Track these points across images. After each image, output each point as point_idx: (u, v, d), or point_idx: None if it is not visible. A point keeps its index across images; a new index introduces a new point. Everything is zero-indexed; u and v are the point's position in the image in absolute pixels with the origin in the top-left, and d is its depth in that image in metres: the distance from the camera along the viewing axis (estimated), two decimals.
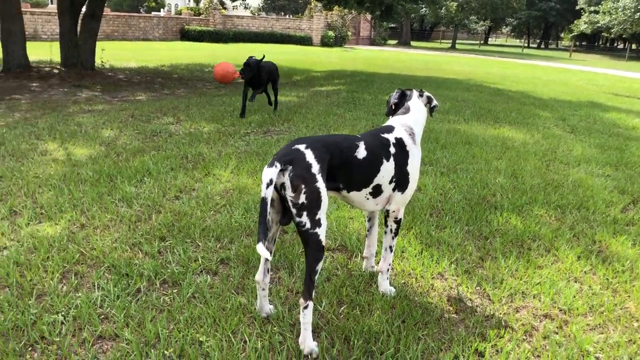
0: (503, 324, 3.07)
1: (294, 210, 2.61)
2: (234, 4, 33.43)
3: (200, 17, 38.34)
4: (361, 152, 2.91)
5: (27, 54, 14.47)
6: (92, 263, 3.50)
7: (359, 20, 43.69)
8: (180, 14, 42.46)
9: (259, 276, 2.86)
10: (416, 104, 3.27)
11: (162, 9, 51.60)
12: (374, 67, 21.53)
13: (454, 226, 4.40)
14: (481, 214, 4.67)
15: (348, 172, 2.88)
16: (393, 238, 3.22)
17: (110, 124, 8.00)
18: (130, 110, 9.40)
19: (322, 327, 2.91)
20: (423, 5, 15.89)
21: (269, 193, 2.53)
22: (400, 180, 3.07)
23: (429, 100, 3.34)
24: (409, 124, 3.18)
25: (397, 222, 3.18)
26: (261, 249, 2.47)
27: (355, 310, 3.08)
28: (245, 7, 43.53)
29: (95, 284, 3.21)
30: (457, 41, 59.29)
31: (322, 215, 2.64)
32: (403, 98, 3.31)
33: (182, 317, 2.90)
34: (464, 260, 3.83)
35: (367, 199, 3.04)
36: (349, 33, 42.25)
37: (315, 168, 2.64)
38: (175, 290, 3.20)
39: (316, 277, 2.67)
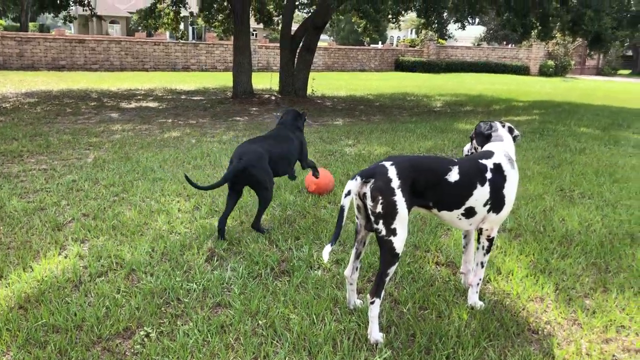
0: (582, 349, 3.08)
1: (372, 218, 3.04)
2: (453, 34, 33.76)
3: (415, 48, 39.53)
4: (453, 176, 3.20)
5: (252, 83, 16.77)
6: (237, 250, 4.31)
7: (584, 48, 40.69)
8: (397, 45, 44.33)
9: (347, 272, 3.34)
10: (505, 133, 3.47)
11: (379, 42, 54.18)
12: (588, 98, 20.14)
13: (579, 257, 4.33)
14: (619, 250, 4.48)
15: (438, 192, 3.19)
16: (485, 254, 3.43)
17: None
18: (321, 133, 10.50)
19: (397, 323, 3.27)
20: None
21: (346, 202, 2.99)
22: (496, 203, 3.28)
23: (511, 130, 3.56)
24: (507, 149, 3.39)
25: (490, 240, 3.39)
26: (326, 251, 2.95)
27: (434, 315, 3.37)
28: (451, 37, 43.49)
29: (230, 267, 4.00)
30: None
31: (398, 225, 3.00)
32: (490, 129, 3.52)
33: (284, 298, 3.50)
34: (573, 289, 3.81)
35: (460, 219, 3.32)
36: (572, 62, 39.65)
37: (395, 183, 3.02)
38: (288, 279, 3.83)
39: (387, 279, 3.06)
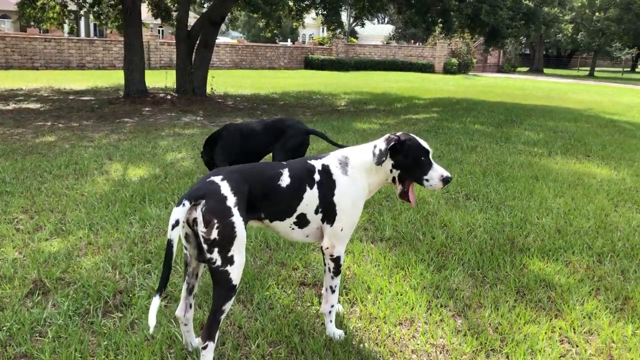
0: None
1: (205, 246, 2.51)
2: (358, 34, 33.90)
3: (324, 46, 39.47)
4: (285, 180, 2.78)
5: (145, 81, 15.79)
6: (70, 279, 3.66)
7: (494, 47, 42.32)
8: (306, 43, 44.12)
9: (179, 311, 2.79)
10: (372, 144, 3.00)
11: (289, 40, 53.91)
12: (486, 95, 20.67)
13: (457, 268, 4.03)
14: (498, 258, 4.23)
15: (272, 201, 2.75)
16: (332, 278, 3.00)
17: (182, 148, 8.43)
18: (206, 135, 9.85)
19: None
20: (533, 29, 14.59)
21: (174, 235, 2.43)
22: (327, 211, 2.87)
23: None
24: (347, 154, 2.98)
25: (335, 260, 2.96)
26: (152, 311, 2.36)
27: (285, 352, 2.91)
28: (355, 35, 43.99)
29: (52, 302, 3.35)
30: (598, 69, 55.11)
31: (236, 251, 2.52)
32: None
33: (107, 342, 2.92)
34: (446, 307, 3.48)
35: (293, 229, 2.88)
36: (474, 60, 41.07)
37: (231, 201, 2.54)
38: (121, 315, 3.24)
39: (222, 317, 2.55)
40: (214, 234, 2.48)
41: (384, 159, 2.83)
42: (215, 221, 2.48)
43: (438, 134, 10.23)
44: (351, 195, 2.87)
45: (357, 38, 56.41)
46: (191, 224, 2.54)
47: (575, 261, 4.27)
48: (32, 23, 19.09)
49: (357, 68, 37.07)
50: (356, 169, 2.91)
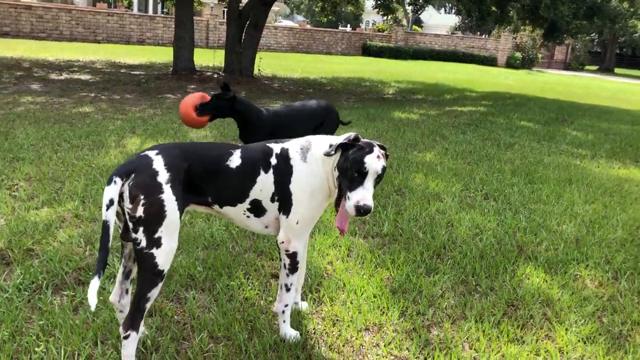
0: None
1: (130, 224, 2.32)
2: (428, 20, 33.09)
3: (383, 33, 38.73)
4: (234, 161, 2.54)
5: (193, 59, 15.86)
6: (41, 250, 3.56)
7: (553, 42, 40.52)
8: (366, 30, 43.47)
9: (113, 297, 2.60)
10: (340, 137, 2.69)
11: (348, 25, 53.27)
12: (544, 92, 19.67)
13: (449, 273, 3.69)
14: (498, 265, 3.86)
15: (219, 183, 2.52)
16: (288, 275, 2.74)
17: (209, 126, 8.33)
18: None
19: None
20: (598, 25, 13.70)
21: (109, 215, 2.25)
22: (283, 200, 2.61)
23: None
24: (311, 140, 2.70)
25: (290, 256, 2.70)
26: (92, 291, 2.18)
27: (230, 349, 2.69)
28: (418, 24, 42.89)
29: (11, 275, 3.25)
30: None
31: (164, 233, 2.32)
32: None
33: (43, 322, 2.79)
34: (423, 315, 3.17)
35: (248, 217, 2.64)
36: (539, 55, 39.35)
37: (163, 177, 2.33)
38: (73, 294, 3.10)
39: (147, 305, 2.35)
40: (140, 212, 2.28)
41: (332, 152, 2.53)
42: (142, 197, 2.29)
43: (478, 128, 9.71)
44: (309, 185, 2.60)
45: (422, 27, 55.16)
46: (120, 199, 2.33)
47: (586, 276, 3.84)
48: None
49: (415, 57, 36.19)
50: (316, 158, 2.63)
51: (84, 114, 9.07)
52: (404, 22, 37.26)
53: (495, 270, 3.78)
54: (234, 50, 15.90)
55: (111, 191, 2.27)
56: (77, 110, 9.39)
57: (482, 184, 5.89)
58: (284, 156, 2.62)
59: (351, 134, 2.56)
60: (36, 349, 2.54)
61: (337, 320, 3.03)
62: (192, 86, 14.16)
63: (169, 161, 2.37)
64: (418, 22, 57.27)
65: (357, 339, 2.87)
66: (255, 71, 16.62)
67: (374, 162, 2.45)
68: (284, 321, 2.81)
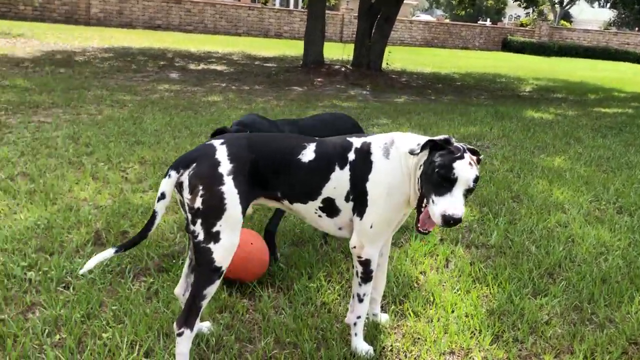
0: None
1: (188, 216, 2.22)
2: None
3: (526, 28, 36.48)
4: (307, 154, 2.34)
5: (323, 52, 15.95)
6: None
7: None
8: (507, 24, 41.22)
9: (178, 290, 2.53)
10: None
11: (488, 20, 50.95)
12: None
13: (561, 296, 3.20)
14: (623, 292, 3.28)
15: (288, 177, 2.34)
16: (360, 284, 2.48)
17: None
18: (360, 109, 9.57)
19: None
20: None
21: (159, 207, 2.22)
22: (358, 200, 2.35)
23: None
24: (397, 136, 2.40)
25: (363, 263, 2.44)
26: (101, 255, 2.21)
27: (293, 358, 2.50)
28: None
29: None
30: None
31: (223, 228, 2.18)
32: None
33: (115, 307, 2.78)
34: (521, 343, 2.75)
35: (320, 217, 2.42)
36: None
37: (225, 168, 2.20)
38: (152, 281, 3.09)
39: (203, 302, 2.23)
40: (198, 203, 2.17)
41: (418, 151, 2.21)
42: (201, 188, 2.17)
43: (622, 132, 8.66)
44: (387, 184, 2.32)
45: (571, 22, 51.31)
46: (179, 189, 2.23)
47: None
48: None
49: (560, 54, 33.63)
50: (400, 155, 2.34)
51: (212, 103, 9.42)
52: (551, 16, 34.74)
53: (618, 299, 3.22)
54: (363, 44, 15.76)
55: (164, 184, 2.22)
56: (206, 99, 9.78)
57: (617, 195, 5.16)
58: (364, 151, 2.37)
59: (444, 136, 2.25)
60: (103, 334, 2.53)
61: (418, 338, 2.72)
62: (319, 79, 14.24)
63: (233, 152, 2.23)
64: (567, 16, 53.23)
65: None
66: (384, 65, 16.35)
67: (465, 169, 2.13)
68: (356, 334, 2.56)
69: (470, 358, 2.61)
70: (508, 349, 2.68)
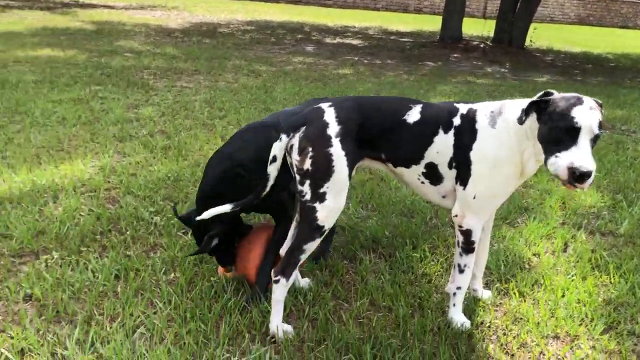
0: None
1: (297, 177, 2.29)
2: None
3: None
4: (413, 115, 2.31)
5: (461, 28, 15.41)
6: None
7: None
8: None
9: (283, 250, 2.63)
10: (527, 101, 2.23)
11: None
12: None
13: None
14: None
15: (393, 138, 2.33)
16: (461, 255, 2.41)
17: (453, 96, 8.03)
18: (495, 87, 9.17)
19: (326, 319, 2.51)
20: None
21: (271, 170, 2.32)
22: (462, 168, 2.27)
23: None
24: (507, 104, 2.27)
25: (464, 233, 2.36)
26: (220, 208, 2.35)
27: (388, 322, 2.51)
28: None
29: None
30: None
31: (329, 189, 2.23)
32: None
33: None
34: (637, 337, 2.53)
35: (423, 183, 2.38)
36: None
37: (333, 130, 2.24)
38: None
39: (301, 256, 2.31)
40: (307, 164, 2.23)
41: (524, 117, 2.07)
42: (310, 149, 2.23)
43: None
44: (493, 155, 2.22)
45: None
46: (289, 151, 2.31)
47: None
48: None
49: None
50: (508, 125, 2.22)
51: (342, 75, 9.53)
52: None
53: None
54: (506, 20, 14.99)
55: (276, 148, 2.30)
56: (337, 72, 9.91)
57: None
58: (469, 118, 2.28)
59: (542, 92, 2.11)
60: (211, 277, 2.72)
61: (520, 318, 2.60)
62: (456, 55, 13.83)
63: (341, 114, 2.27)
64: None
65: (538, 345, 2.42)
66: (527, 42, 15.42)
67: (586, 114, 1.97)
68: (454, 305, 2.51)
69: (576, 345, 2.45)
70: (621, 342, 2.48)
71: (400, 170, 2.39)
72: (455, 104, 2.36)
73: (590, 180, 1.93)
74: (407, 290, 2.73)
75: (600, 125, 1.98)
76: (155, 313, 2.43)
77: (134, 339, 2.25)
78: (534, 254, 3.24)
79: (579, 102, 2.00)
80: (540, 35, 16.74)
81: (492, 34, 15.69)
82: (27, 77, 6.92)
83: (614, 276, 3.01)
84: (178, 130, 5.13)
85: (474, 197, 2.27)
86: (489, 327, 2.53)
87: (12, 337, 2.19)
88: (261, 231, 2.71)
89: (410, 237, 3.29)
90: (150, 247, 3.02)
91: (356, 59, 12.08)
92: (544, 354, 2.37)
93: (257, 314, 2.45)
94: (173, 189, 3.77)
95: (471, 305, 2.64)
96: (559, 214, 3.81)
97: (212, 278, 2.72)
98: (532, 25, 15.36)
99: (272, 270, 2.37)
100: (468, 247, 2.39)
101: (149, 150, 4.55)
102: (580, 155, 1.94)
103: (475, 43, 15.41)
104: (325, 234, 2.31)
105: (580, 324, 2.58)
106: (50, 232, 3.03)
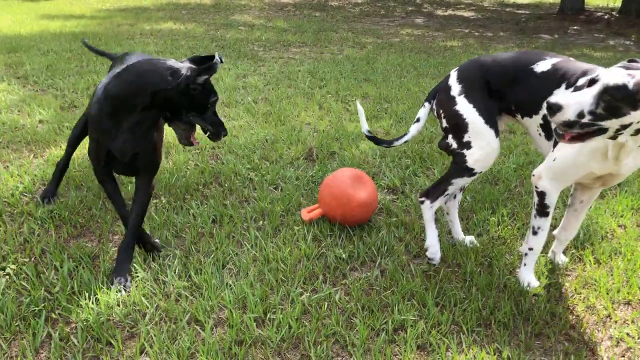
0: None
1: (443, 133, 2.65)
2: None
3: None
4: (542, 65, 2.41)
5: None
6: (336, 157, 4.05)
7: None
8: None
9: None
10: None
11: None
12: None
13: None
14: None
15: (520, 87, 2.46)
16: (535, 216, 2.47)
17: None
18: (614, 60, 8.62)
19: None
20: None
21: (412, 128, 2.76)
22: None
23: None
24: (599, 71, 2.06)
25: (539, 194, 2.40)
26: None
27: (454, 276, 2.64)
28: None
29: (305, 172, 3.81)
30: None
31: (473, 138, 2.51)
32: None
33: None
34: None
35: (540, 134, 2.48)
36: None
37: (455, 90, 2.57)
38: None
39: (448, 187, 2.65)
40: (444, 123, 2.62)
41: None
42: (442, 112, 2.62)
43: None
44: None
45: None
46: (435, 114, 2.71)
47: None
48: None
49: None
50: None
51: (448, 47, 9.44)
52: None
53: None
54: None
55: (420, 112, 2.75)
56: (444, 44, 9.82)
57: None
58: (593, 80, 2.04)
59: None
60: (295, 227, 2.98)
61: (591, 283, 2.62)
62: (575, 27, 13.08)
63: (461, 75, 2.57)
64: None
65: (606, 309, 2.44)
66: None
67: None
68: (525, 264, 2.58)
69: None
70: None
71: (526, 120, 2.50)
72: (594, 67, 2.29)
73: (560, 114, 1.95)
74: (479, 249, 2.83)
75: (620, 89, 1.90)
76: (243, 253, 2.73)
77: (223, 272, 2.57)
78: (620, 225, 3.19)
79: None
80: None
81: (619, 5, 14.61)
82: (150, 48, 7.59)
83: None
84: (279, 99, 5.44)
85: (554, 159, 2.32)
86: (557, 288, 2.58)
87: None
88: (347, 171, 2.99)
89: (491, 202, 3.35)
90: (244, 199, 3.35)
91: (467, 31, 11.84)
92: (610, 318, 2.40)
93: (332, 259, 2.68)
94: (269, 150, 4.08)
95: (541, 268, 2.69)
96: None
97: (295, 227, 2.98)
98: None
99: (418, 193, 2.87)
100: (542, 209, 2.44)
101: (252, 115, 4.91)
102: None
103: (599, 14, 14.47)
104: (477, 175, 2.59)
105: None
106: (161, 181, 3.45)
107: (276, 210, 3.14)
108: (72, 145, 3.18)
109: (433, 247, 2.71)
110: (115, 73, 2.37)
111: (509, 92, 2.49)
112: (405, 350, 2.11)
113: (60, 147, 3.95)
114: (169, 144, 4.08)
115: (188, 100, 2.30)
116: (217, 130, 2.43)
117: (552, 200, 2.42)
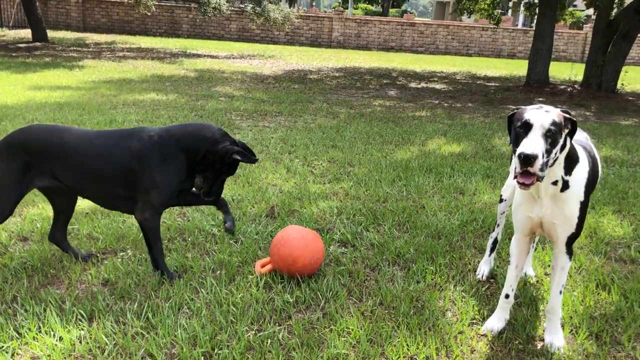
0: None
1: None
2: None
3: None
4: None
5: (548, 72, 15.40)
6: (297, 214, 4.38)
7: None
8: None
9: None
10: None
11: None
12: None
13: None
14: None
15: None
16: None
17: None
18: None
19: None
20: None
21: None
22: None
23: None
24: None
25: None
26: None
27: (387, 313, 2.93)
28: None
29: (266, 227, 4.12)
30: None
31: None
32: None
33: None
34: None
35: None
36: None
37: None
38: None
39: None
40: None
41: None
42: None
43: None
44: None
45: None
46: None
47: None
48: (465, 13, 20.51)
49: None
50: None
51: (416, 117, 9.98)
52: None
53: None
54: (596, 63, 14.83)
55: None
56: (413, 114, 10.37)
57: None
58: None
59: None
60: (249, 275, 3.27)
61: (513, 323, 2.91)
62: (540, 98, 13.82)
63: None
64: None
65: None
66: (619, 86, 15.10)
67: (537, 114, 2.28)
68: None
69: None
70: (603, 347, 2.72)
71: None
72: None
73: (534, 163, 2.15)
74: (413, 295, 3.13)
75: (554, 123, 2.22)
76: (198, 298, 3.00)
77: (178, 314, 2.83)
78: (546, 274, 3.51)
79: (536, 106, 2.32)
80: (635, 79, 16.29)
81: (581, 78, 15.52)
82: (131, 117, 8.01)
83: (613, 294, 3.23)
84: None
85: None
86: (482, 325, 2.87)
87: (87, 305, 2.85)
88: (295, 232, 3.25)
89: (432, 254, 3.68)
90: (205, 252, 3.64)
91: (436, 102, 12.48)
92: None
93: (279, 303, 2.96)
94: (235, 208, 4.40)
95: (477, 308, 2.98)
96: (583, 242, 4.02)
97: (249, 275, 3.27)
98: (624, 68, 15.04)
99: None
100: None
101: None
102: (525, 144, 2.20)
103: (562, 87, 15.33)
104: None
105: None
106: (129, 236, 3.74)
107: (234, 261, 3.43)
108: None
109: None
110: None
111: None
112: None
113: (38, 206, 4.25)
114: None
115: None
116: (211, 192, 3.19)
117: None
